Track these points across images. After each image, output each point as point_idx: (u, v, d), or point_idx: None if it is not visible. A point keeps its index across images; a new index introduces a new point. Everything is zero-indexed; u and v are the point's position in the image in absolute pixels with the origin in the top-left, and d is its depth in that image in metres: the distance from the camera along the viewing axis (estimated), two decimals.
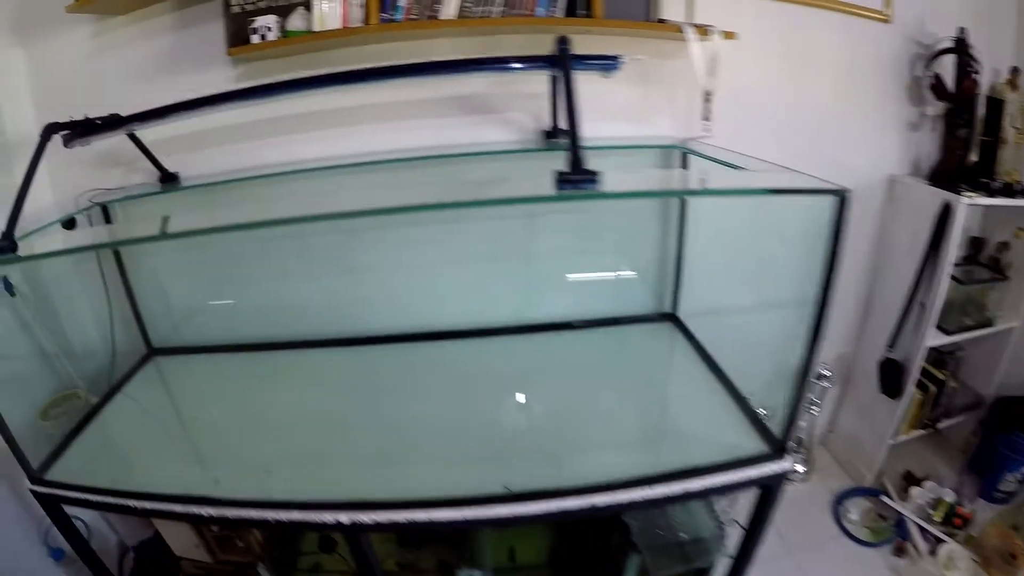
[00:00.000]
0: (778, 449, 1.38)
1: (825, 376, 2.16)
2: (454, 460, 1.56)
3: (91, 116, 1.68)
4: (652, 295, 2.14)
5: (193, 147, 1.97)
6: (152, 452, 1.69)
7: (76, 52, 1.89)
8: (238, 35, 1.70)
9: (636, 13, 1.69)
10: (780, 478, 1.35)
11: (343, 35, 1.62)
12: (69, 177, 1.96)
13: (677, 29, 1.67)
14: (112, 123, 1.68)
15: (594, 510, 1.29)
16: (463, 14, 1.62)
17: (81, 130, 1.64)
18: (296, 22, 1.65)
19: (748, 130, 1.92)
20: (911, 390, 2.23)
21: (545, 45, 1.49)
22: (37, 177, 1.65)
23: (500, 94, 1.96)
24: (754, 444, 1.43)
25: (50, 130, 1.56)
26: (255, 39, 1.64)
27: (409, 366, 1.97)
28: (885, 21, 2.03)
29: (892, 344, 2.19)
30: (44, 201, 1.99)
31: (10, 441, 1.53)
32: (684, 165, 1.95)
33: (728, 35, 1.72)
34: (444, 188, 1.69)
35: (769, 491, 1.39)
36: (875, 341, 2.29)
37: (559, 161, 1.28)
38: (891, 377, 2.19)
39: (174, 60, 1.87)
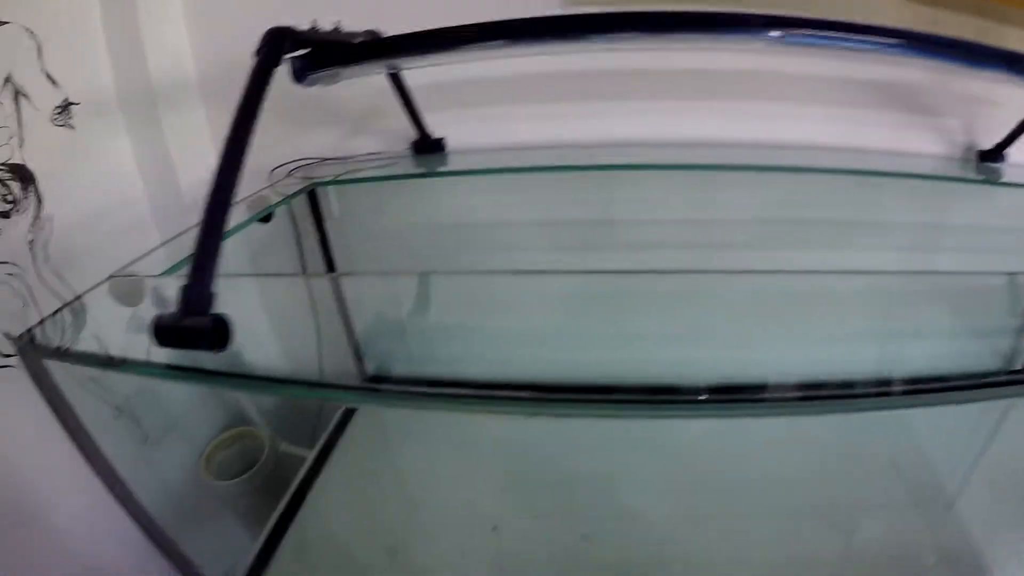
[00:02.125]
0: None
1: None
2: None
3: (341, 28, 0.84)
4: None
5: (458, 102, 1.13)
6: None
7: None
8: None
9: None
10: None
11: None
12: None
13: None
14: (375, 48, 0.84)
15: None
16: None
17: (327, 55, 0.80)
18: None
19: None
20: None
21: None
22: (192, 134, 1.14)
23: (938, 91, 1.17)
24: None
25: (277, 41, 0.73)
26: None
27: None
28: None
29: None
30: (207, 170, 0.96)
31: None
32: None
33: None
34: None
35: None
36: None
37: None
38: None
39: None
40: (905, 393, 0.89)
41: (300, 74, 0.79)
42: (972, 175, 1.18)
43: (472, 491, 1.08)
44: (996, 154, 1.16)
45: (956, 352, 1.27)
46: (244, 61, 1.07)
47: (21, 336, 0.62)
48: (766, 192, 1.19)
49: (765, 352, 1.23)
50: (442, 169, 1.08)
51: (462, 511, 1.04)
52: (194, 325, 0.50)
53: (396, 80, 0.96)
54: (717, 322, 1.20)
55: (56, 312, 0.68)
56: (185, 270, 0.75)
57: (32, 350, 0.62)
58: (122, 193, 1.10)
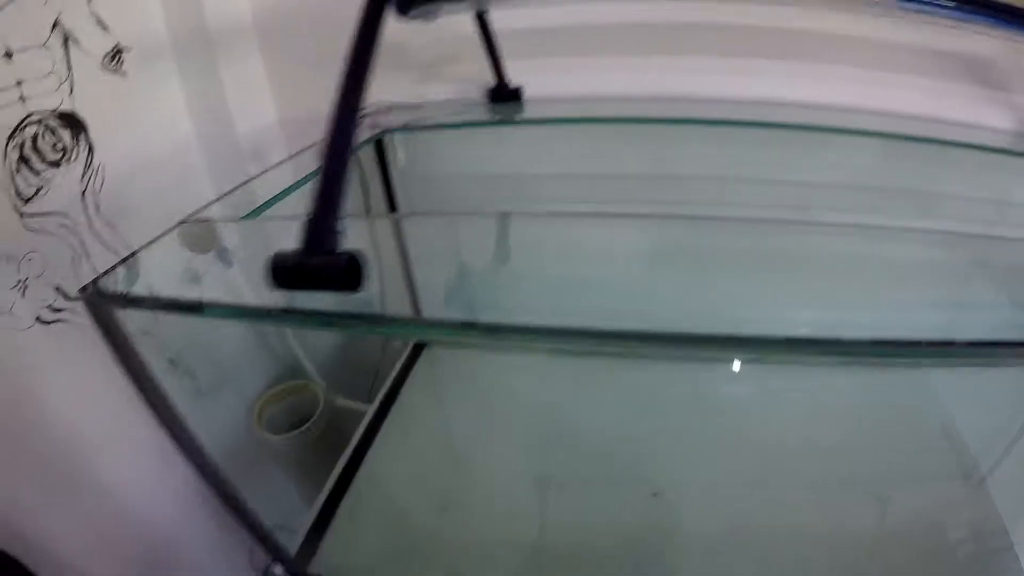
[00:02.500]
0: None
1: None
2: None
3: None
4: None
5: (538, 50, 1.01)
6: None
7: None
8: None
9: None
10: None
11: None
12: (303, 83, 1.03)
13: None
14: None
15: None
16: None
17: None
18: None
19: None
20: None
21: None
22: (248, 81, 1.05)
23: (1013, 66, 1.05)
24: None
25: None
26: None
27: None
28: None
29: None
30: (264, 119, 1.11)
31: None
32: None
33: None
34: None
35: None
36: None
37: None
38: None
39: None
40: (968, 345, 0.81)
41: (404, 5, 0.69)
42: None
43: (539, 449, 1.02)
44: None
45: (1006, 320, 1.19)
46: (301, 4, 0.99)
47: (90, 284, 0.54)
48: (838, 155, 1.11)
49: (833, 308, 1.16)
50: (519, 117, 0.97)
51: (530, 470, 0.98)
52: (326, 263, 0.41)
53: (482, 22, 0.86)
54: (789, 276, 1.12)
55: (124, 260, 0.60)
56: (263, 215, 0.67)
57: (102, 298, 0.53)
58: (175, 142, 1.02)
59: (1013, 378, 1.25)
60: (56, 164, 0.84)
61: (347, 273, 0.41)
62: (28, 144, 0.80)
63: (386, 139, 0.98)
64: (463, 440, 1.07)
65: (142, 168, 0.94)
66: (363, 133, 0.95)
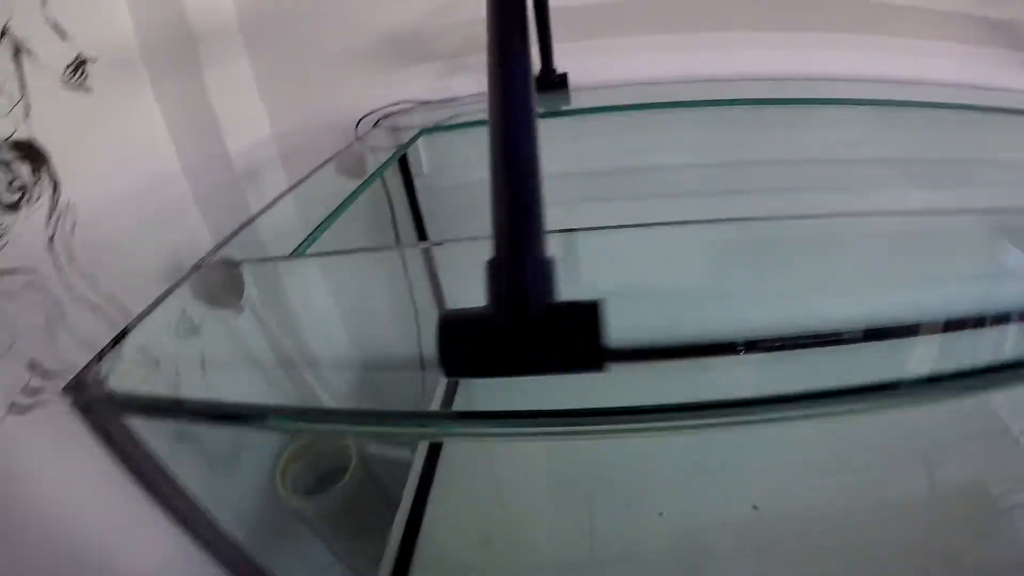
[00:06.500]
0: None
1: None
2: None
3: None
4: None
5: (574, 32, 0.81)
6: None
7: None
8: None
9: None
10: None
11: None
12: (297, 88, 0.85)
13: None
14: None
15: None
16: None
17: None
18: None
19: None
20: None
21: None
22: (236, 89, 0.82)
23: None
24: None
25: None
26: None
27: None
28: None
29: None
30: (257, 133, 0.89)
31: None
32: None
33: None
34: None
35: None
36: None
37: None
38: None
39: None
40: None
41: None
42: None
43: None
44: None
45: None
46: None
47: (83, 381, 0.33)
48: (890, 129, 1.00)
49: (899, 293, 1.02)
50: (561, 110, 0.76)
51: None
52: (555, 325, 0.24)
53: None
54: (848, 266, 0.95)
55: (121, 336, 0.38)
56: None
57: (107, 404, 0.32)
58: (156, 168, 0.83)
59: None
60: (14, 207, 0.64)
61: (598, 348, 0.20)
62: None
63: (411, 152, 0.75)
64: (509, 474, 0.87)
65: (120, 203, 0.75)
66: (383, 137, 0.73)
